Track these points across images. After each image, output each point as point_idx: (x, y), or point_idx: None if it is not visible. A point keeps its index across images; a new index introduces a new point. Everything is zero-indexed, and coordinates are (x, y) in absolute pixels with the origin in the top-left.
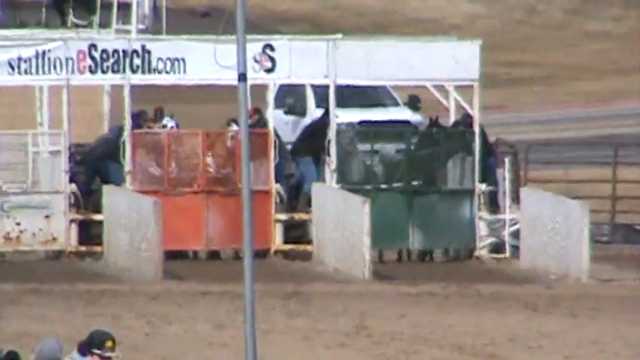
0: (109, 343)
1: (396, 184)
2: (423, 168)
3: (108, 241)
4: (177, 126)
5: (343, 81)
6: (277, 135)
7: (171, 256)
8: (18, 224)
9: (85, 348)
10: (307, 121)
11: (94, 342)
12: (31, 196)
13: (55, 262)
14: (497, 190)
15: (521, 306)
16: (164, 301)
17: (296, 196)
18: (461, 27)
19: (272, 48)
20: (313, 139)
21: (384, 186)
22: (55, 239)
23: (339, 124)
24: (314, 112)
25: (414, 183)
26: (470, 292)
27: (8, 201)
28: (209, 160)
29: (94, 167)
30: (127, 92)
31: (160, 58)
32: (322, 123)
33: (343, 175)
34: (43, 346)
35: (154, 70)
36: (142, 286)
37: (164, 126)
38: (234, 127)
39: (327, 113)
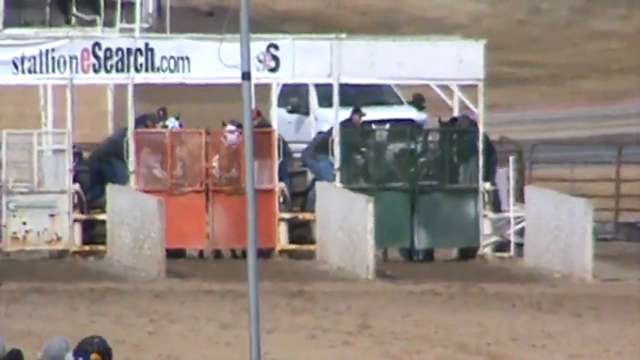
0: (94, 356)
1: (399, 184)
2: (427, 167)
3: (111, 240)
4: (181, 126)
5: (347, 80)
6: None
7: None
8: (24, 224)
9: (76, 353)
10: (310, 120)
11: (81, 350)
12: (36, 196)
13: (59, 261)
14: (498, 189)
15: (525, 305)
16: (167, 300)
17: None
18: (465, 26)
19: (276, 47)
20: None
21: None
22: (59, 239)
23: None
24: (317, 111)
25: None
26: (474, 291)
27: (15, 200)
28: (213, 159)
29: (97, 167)
30: (130, 91)
31: (163, 57)
32: (348, 123)
33: (347, 174)
34: (50, 344)
35: (158, 69)
36: (146, 285)
37: (166, 126)
38: (230, 127)
39: (355, 112)
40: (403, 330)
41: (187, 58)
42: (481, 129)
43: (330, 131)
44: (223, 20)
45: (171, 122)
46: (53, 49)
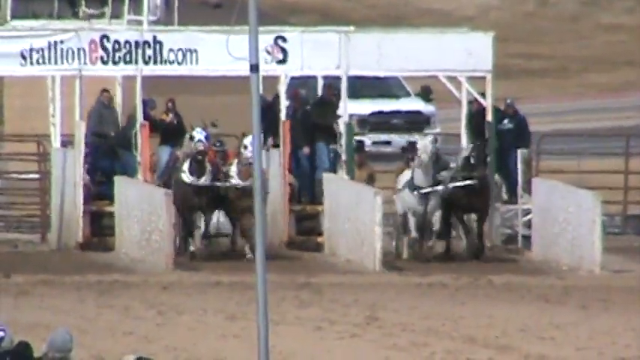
0: None
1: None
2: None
3: (119, 232)
4: (207, 138)
5: (355, 72)
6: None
7: None
8: None
9: None
10: None
11: None
12: None
13: (67, 253)
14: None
15: (533, 297)
16: (175, 292)
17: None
18: (473, 18)
19: (284, 39)
20: (311, 124)
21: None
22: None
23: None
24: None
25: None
26: (482, 284)
27: None
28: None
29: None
30: (138, 83)
31: (171, 49)
32: (314, 105)
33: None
34: (54, 336)
35: (166, 61)
36: (153, 277)
37: (191, 137)
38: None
39: (325, 87)
40: (411, 322)
41: (195, 50)
42: (490, 119)
43: (303, 118)
44: (231, 12)
45: (198, 133)
46: (62, 41)
